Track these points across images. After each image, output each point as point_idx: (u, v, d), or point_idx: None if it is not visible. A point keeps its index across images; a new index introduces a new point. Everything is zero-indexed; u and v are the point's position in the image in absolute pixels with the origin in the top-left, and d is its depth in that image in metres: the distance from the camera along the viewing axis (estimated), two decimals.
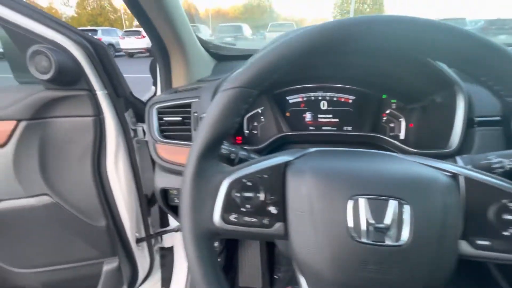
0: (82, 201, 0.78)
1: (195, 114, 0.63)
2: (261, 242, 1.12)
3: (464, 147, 0.49)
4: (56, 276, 0.85)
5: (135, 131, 0.87)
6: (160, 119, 0.66)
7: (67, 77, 0.67)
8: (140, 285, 1.02)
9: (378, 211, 0.28)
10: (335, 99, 0.70)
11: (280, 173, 0.33)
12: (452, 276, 0.29)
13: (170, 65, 0.74)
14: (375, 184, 0.30)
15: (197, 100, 0.64)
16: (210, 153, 0.33)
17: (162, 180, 0.65)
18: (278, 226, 0.32)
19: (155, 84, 0.84)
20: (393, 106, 0.66)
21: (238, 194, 0.32)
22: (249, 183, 0.33)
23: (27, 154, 0.70)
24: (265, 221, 0.32)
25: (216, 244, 1.03)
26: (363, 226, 0.28)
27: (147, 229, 0.98)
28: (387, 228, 0.28)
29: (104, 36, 12.25)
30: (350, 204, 0.29)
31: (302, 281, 0.34)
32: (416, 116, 0.61)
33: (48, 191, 0.74)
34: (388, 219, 0.28)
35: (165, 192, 0.66)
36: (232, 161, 0.43)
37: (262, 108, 0.70)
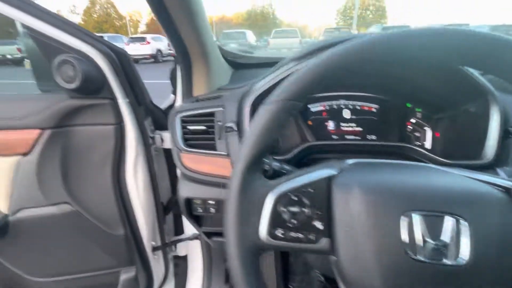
0: (101, 209, 0.78)
1: (219, 123, 0.63)
2: (276, 251, 1.10)
3: (499, 158, 0.48)
4: (74, 285, 0.84)
5: (153, 138, 0.87)
6: (183, 127, 0.66)
7: (92, 86, 0.67)
8: None
9: (434, 228, 0.27)
10: (358, 107, 0.69)
11: (325, 187, 0.33)
12: None
13: (192, 73, 0.74)
14: (429, 200, 0.29)
15: (221, 109, 0.64)
16: (255, 166, 0.32)
17: (186, 190, 0.64)
18: (324, 241, 0.32)
19: (174, 92, 0.85)
20: (418, 115, 0.65)
21: (284, 209, 0.32)
22: (294, 198, 0.32)
23: (50, 163, 0.71)
24: (311, 236, 0.32)
25: None
26: (419, 243, 0.28)
27: (163, 237, 0.97)
28: (445, 246, 0.27)
29: None
30: (403, 220, 0.28)
31: None
32: (443, 125, 0.61)
33: (68, 199, 0.74)
34: (445, 237, 0.27)
35: (188, 201, 0.66)
36: (265, 172, 0.42)
37: None
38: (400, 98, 0.66)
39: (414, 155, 0.61)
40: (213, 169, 0.61)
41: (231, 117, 0.61)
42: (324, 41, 0.59)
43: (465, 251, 0.27)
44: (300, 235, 0.32)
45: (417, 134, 0.65)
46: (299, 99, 0.32)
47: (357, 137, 0.69)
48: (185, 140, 0.65)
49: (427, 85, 0.58)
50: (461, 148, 0.57)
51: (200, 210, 0.66)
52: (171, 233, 1.09)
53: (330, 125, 0.70)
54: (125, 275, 0.85)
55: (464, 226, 0.27)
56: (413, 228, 0.28)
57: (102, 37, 0.71)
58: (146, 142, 0.81)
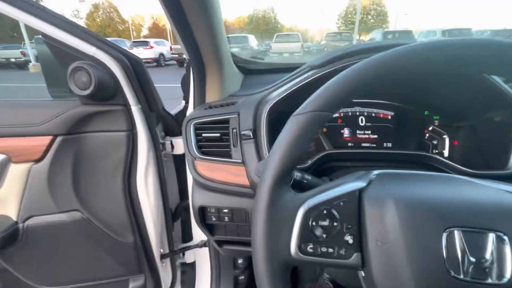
0: (111, 217, 0.77)
1: (234, 130, 0.62)
2: None
3: None
4: None
5: (163, 144, 0.86)
6: (197, 135, 0.65)
7: (105, 92, 0.67)
8: None
9: (476, 245, 0.26)
10: (373, 115, 0.68)
11: (355, 200, 0.32)
12: None
13: (205, 79, 0.74)
14: (472, 216, 0.28)
15: (236, 116, 0.63)
16: (284, 179, 0.31)
17: (200, 198, 0.63)
18: (355, 256, 0.31)
19: (186, 98, 0.84)
20: (436, 122, 0.64)
21: (314, 223, 0.31)
22: (324, 211, 0.31)
23: (61, 169, 0.70)
24: (342, 251, 0.31)
25: (240, 261, 1.00)
26: (460, 262, 0.26)
27: (171, 244, 0.96)
28: (489, 264, 0.26)
29: None
30: (444, 236, 0.27)
31: None
32: (463, 134, 0.60)
33: (79, 206, 0.73)
34: (488, 254, 0.26)
35: (202, 210, 0.65)
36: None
37: None
38: (418, 106, 0.65)
39: (433, 163, 0.60)
40: (228, 177, 0.60)
41: (247, 124, 0.60)
42: (341, 49, 0.58)
43: (509, 270, 0.26)
44: (331, 250, 0.31)
45: (434, 142, 0.64)
46: (331, 110, 0.31)
47: (372, 145, 0.68)
48: (199, 147, 0.64)
49: (449, 94, 0.57)
50: (481, 157, 0.56)
51: (214, 218, 0.65)
52: (179, 240, 1.07)
53: (346, 132, 0.69)
54: (134, 283, 0.84)
55: (507, 243, 0.26)
56: (455, 245, 0.27)
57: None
58: (157, 148, 0.81)
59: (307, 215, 0.31)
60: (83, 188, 0.73)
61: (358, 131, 0.69)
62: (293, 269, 1.11)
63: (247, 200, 0.61)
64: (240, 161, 0.60)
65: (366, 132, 0.69)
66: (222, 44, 0.70)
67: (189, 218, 1.02)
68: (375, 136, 0.68)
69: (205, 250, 1.01)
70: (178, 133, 0.87)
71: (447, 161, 0.58)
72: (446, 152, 0.63)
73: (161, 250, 0.92)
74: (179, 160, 0.93)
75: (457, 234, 0.27)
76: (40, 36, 0.64)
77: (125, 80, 0.68)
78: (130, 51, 0.76)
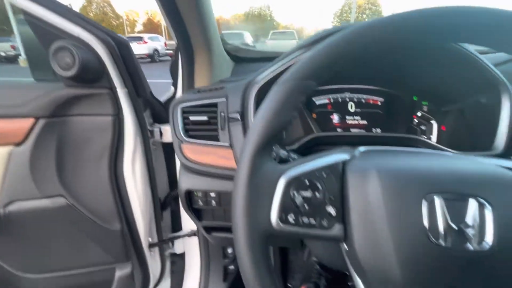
0: (97, 203, 0.76)
1: (222, 114, 0.61)
2: (275, 249, 1.08)
3: (510, 150, 0.47)
4: (67, 282, 0.81)
5: (151, 132, 0.85)
6: (185, 118, 0.64)
7: (89, 74, 0.65)
8: None
9: (457, 211, 0.26)
10: (363, 101, 0.68)
11: (338, 171, 0.31)
12: None
13: (194, 64, 0.72)
14: (451, 182, 0.28)
15: (224, 99, 0.62)
16: (266, 149, 0.31)
17: (187, 181, 0.62)
18: (337, 228, 0.30)
19: (175, 84, 0.83)
20: (425, 108, 0.64)
21: (296, 193, 0.30)
22: (306, 182, 0.30)
23: (44, 153, 0.68)
24: (324, 222, 0.30)
25: (230, 250, 1.00)
26: (441, 227, 0.26)
27: (160, 234, 0.94)
28: (469, 230, 0.26)
29: None
30: (425, 203, 0.27)
31: (360, 285, 0.31)
32: (451, 118, 0.60)
33: (63, 192, 0.71)
34: (469, 220, 0.26)
35: (189, 194, 0.64)
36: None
37: None
38: (407, 92, 0.65)
39: (421, 147, 0.60)
40: (215, 160, 0.59)
41: (235, 107, 0.59)
42: (331, 28, 0.57)
43: (489, 235, 0.26)
44: (312, 221, 0.30)
45: (422, 127, 0.64)
46: (313, 79, 0.30)
47: (362, 130, 0.68)
48: (186, 131, 0.63)
49: (436, 77, 0.57)
50: (469, 140, 0.56)
51: (200, 203, 0.64)
52: (168, 230, 1.06)
53: (335, 118, 0.69)
54: (121, 271, 0.82)
55: (488, 210, 0.26)
56: (435, 212, 0.26)
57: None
58: (144, 134, 0.79)
59: (289, 185, 0.30)
60: (68, 173, 0.72)
61: (347, 117, 0.69)
62: (284, 260, 1.11)
63: None
64: (227, 144, 0.59)
65: (355, 118, 0.68)
66: (211, 29, 0.69)
67: (178, 208, 1.01)
68: (365, 122, 0.68)
69: (195, 240, 1.00)
70: (167, 120, 0.86)
71: (436, 144, 0.58)
72: (434, 137, 0.63)
73: (150, 239, 0.90)
74: (168, 149, 0.91)
75: (438, 200, 0.27)
76: (22, 16, 0.62)
77: (110, 62, 0.67)
78: None
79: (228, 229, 0.71)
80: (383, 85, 0.67)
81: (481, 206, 0.26)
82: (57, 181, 0.70)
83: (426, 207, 0.27)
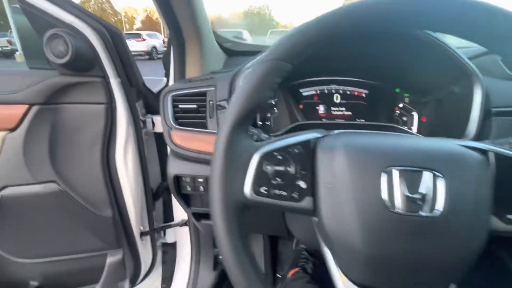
0: (89, 190, 0.77)
1: (211, 102, 0.63)
2: (265, 239, 1.11)
3: (480, 137, 0.50)
4: (58, 267, 0.83)
5: (144, 122, 0.86)
6: (175, 106, 0.66)
7: (82, 62, 0.67)
8: (141, 280, 1.00)
9: (412, 183, 0.29)
10: (348, 92, 0.70)
11: (310, 148, 0.33)
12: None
13: (185, 55, 0.74)
14: (409, 156, 0.30)
15: (213, 89, 0.64)
16: (243, 124, 0.33)
17: (175, 167, 0.64)
18: (307, 200, 0.33)
19: (167, 75, 0.84)
20: (406, 100, 0.67)
21: (269, 167, 0.32)
22: (280, 157, 0.33)
23: (37, 140, 0.70)
24: (295, 195, 0.32)
25: None
26: (397, 197, 0.28)
27: (152, 223, 0.96)
28: (422, 198, 0.28)
29: None
30: (384, 175, 0.29)
31: (329, 256, 0.33)
32: (430, 109, 0.62)
33: (56, 178, 0.73)
34: (422, 190, 0.28)
35: (177, 179, 0.66)
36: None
37: (276, 99, 0.70)
38: (390, 83, 0.68)
39: None
40: (203, 146, 0.61)
41: (222, 96, 0.61)
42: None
43: (440, 203, 0.28)
44: (284, 193, 0.32)
45: (404, 118, 0.67)
46: (287, 60, 0.32)
47: (346, 121, 0.70)
48: (176, 119, 0.65)
49: (415, 68, 0.59)
50: (445, 130, 0.59)
51: (189, 188, 0.66)
52: (160, 220, 1.08)
53: (321, 109, 0.71)
54: (112, 258, 0.84)
55: (441, 181, 0.28)
56: (392, 183, 0.29)
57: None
58: (137, 124, 0.81)
59: (262, 159, 0.32)
60: (60, 160, 0.73)
61: (333, 108, 0.71)
62: (273, 250, 1.13)
63: None
64: (215, 131, 0.61)
65: (340, 109, 0.71)
66: (202, 20, 0.71)
67: (170, 199, 1.02)
68: (349, 113, 0.71)
69: (186, 230, 1.02)
70: (159, 111, 0.88)
71: (415, 133, 0.61)
72: (415, 128, 0.66)
73: (141, 228, 0.92)
74: (161, 139, 0.93)
75: (395, 173, 0.29)
76: (17, 5, 0.63)
77: (104, 51, 0.68)
78: None
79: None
80: (367, 77, 0.69)
81: (435, 178, 0.29)
82: (50, 167, 0.72)
83: (385, 179, 0.29)
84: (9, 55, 11.99)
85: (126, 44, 0.74)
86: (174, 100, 0.66)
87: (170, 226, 1.01)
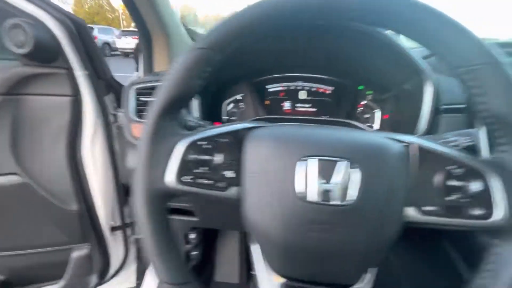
0: (54, 183, 0.76)
1: None
2: (240, 237, 1.11)
3: (430, 133, 0.50)
4: (23, 261, 0.82)
5: (115, 116, 0.86)
6: (137, 99, 0.65)
7: (45, 53, 0.66)
8: (113, 276, 0.99)
9: (327, 172, 0.29)
10: (314, 89, 0.71)
11: (239, 138, 0.33)
12: (404, 245, 0.29)
13: (152, 49, 0.74)
14: (325, 146, 0.30)
15: None
16: (170, 113, 0.33)
17: (133, 159, 0.64)
18: (233, 190, 0.32)
19: (137, 69, 0.84)
20: (369, 97, 0.67)
21: (194, 156, 0.32)
22: (206, 146, 0.32)
23: None
24: (221, 184, 0.32)
25: (193, 236, 1.01)
26: (311, 186, 0.29)
27: (123, 218, 0.95)
28: (334, 188, 0.28)
29: (100, 34, 12.11)
30: (300, 164, 0.29)
31: (256, 246, 0.33)
32: (390, 106, 0.63)
33: (18, 170, 0.72)
34: (335, 179, 0.28)
35: None
36: (183, 126, 0.42)
37: (242, 95, 0.70)
38: (354, 81, 0.68)
39: None
40: None
41: None
42: None
43: (353, 193, 0.28)
44: (210, 182, 0.32)
45: (366, 116, 0.67)
46: (215, 49, 0.32)
47: (310, 118, 0.71)
48: (138, 111, 0.65)
49: (374, 65, 0.60)
50: (404, 126, 0.59)
51: None
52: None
53: (286, 105, 0.72)
54: (78, 252, 0.83)
55: (355, 171, 0.28)
56: (307, 172, 0.29)
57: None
58: (106, 118, 0.80)
59: (188, 149, 0.32)
60: (23, 152, 0.72)
61: (298, 104, 0.71)
62: (248, 249, 1.13)
63: None
64: None
65: (305, 105, 0.71)
66: (165, 13, 0.70)
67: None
68: (314, 109, 0.71)
69: None
70: None
71: (370, 129, 0.61)
72: (376, 125, 0.66)
73: (112, 223, 0.91)
74: None
75: (312, 162, 0.29)
76: None
77: (68, 43, 0.68)
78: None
79: (182, 212, 0.73)
80: (332, 74, 0.69)
81: (349, 167, 0.29)
82: (12, 158, 0.71)
83: (300, 168, 0.29)
84: None
85: (92, 36, 0.73)
86: (137, 93, 0.66)
87: None
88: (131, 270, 1.08)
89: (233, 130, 0.34)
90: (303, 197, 0.28)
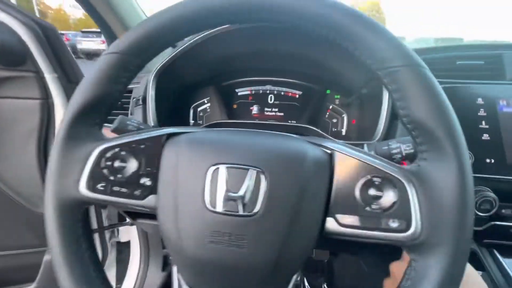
0: (25, 185, 0.76)
1: (134, 99, 0.62)
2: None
3: (386, 138, 0.48)
4: None
5: None
6: None
7: (11, 56, 0.66)
8: None
9: (236, 181, 0.27)
10: (282, 93, 0.69)
11: (160, 144, 0.32)
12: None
13: None
14: (238, 153, 0.28)
15: (137, 85, 0.63)
16: (85, 118, 0.32)
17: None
18: (150, 198, 0.31)
19: None
20: (337, 102, 0.65)
21: (108, 163, 0.31)
22: (122, 152, 0.31)
23: None
24: (137, 192, 0.31)
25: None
26: (219, 195, 0.27)
27: (100, 220, 0.95)
28: (242, 197, 0.26)
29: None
30: (210, 172, 0.28)
31: (172, 259, 0.32)
32: (355, 111, 0.61)
33: None
34: (244, 188, 0.27)
35: None
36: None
37: (209, 98, 0.69)
38: (322, 85, 0.66)
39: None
40: None
41: (140, 92, 0.60)
42: None
43: (259, 202, 0.26)
44: (124, 190, 0.31)
45: (334, 120, 0.65)
46: (131, 54, 0.31)
47: (278, 122, 0.69)
48: None
49: (336, 69, 0.58)
50: (367, 131, 0.57)
51: None
52: (115, 219, 1.07)
53: (254, 109, 0.70)
54: (50, 255, 0.83)
55: (263, 180, 0.27)
56: (217, 181, 0.27)
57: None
58: None
59: (101, 155, 0.31)
60: None
61: (266, 109, 0.70)
62: None
63: None
64: None
65: (273, 109, 0.69)
66: (127, 15, 0.70)
67: None
68: (282, 113, 0.69)
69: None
70: None
71: (329, 136, 0.59)
72: (344, 131, 0.64)
73: None
74: None
75: (223, 170, 0.28)
76: None
77: (35, 47, 0.68)
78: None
79: (150, 216, 0.72)
80: (300, 78, 0.68)
81: (258, 177, 0.27)
82: None
83: (209, 177, 0.28)
84: None
85: (61, 38, 0.73)
86: None
87: (118, 225, 1.00)
88: (110, 274, 1.08)
89: (152, 136, 0.32)
90: (209, 207, 0.27)
